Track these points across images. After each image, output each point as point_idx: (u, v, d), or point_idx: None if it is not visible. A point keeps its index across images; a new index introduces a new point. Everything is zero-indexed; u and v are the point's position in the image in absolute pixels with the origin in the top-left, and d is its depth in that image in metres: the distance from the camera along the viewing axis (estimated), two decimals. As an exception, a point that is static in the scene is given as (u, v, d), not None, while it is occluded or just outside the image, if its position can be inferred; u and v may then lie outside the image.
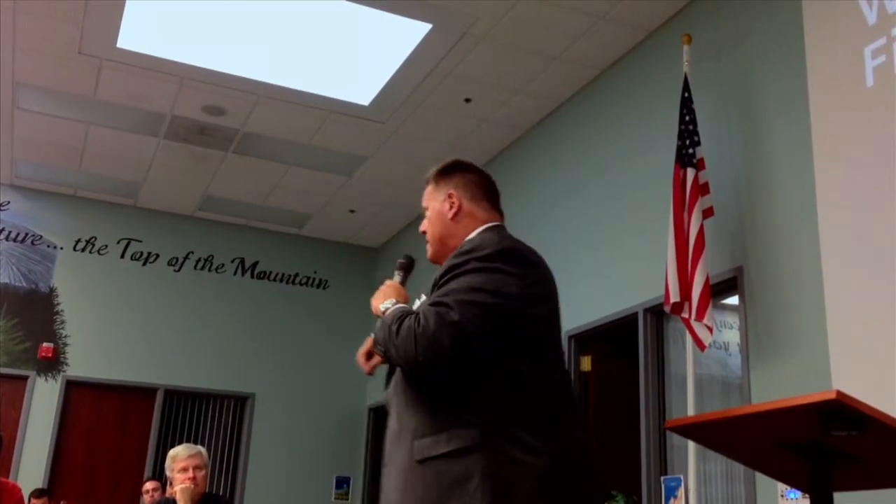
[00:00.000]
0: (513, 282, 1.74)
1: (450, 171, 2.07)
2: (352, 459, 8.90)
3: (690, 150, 4.39)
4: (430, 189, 2.09)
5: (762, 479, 4.07)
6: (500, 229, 1.97)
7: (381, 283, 2.12)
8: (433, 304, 1.75)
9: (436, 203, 2.06)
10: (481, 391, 1.67)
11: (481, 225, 1.99)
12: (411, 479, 1.68)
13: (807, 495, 3.51)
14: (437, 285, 1.83)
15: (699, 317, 4.16)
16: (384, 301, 1.94)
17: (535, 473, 1.54)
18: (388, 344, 1.79)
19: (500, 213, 2.06)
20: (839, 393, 1.44)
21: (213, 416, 8.57)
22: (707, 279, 4.20)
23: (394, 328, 1.78)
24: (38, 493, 6.01)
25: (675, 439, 4.85)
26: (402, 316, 1.79)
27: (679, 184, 4.37)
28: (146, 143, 7.26)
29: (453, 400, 1.68)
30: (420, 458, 1.66)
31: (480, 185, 2.04)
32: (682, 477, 4.63)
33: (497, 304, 1.69)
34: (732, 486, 4.42)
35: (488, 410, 1.64)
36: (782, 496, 3.96)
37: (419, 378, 1.76)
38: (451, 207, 2.03)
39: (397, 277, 2.14)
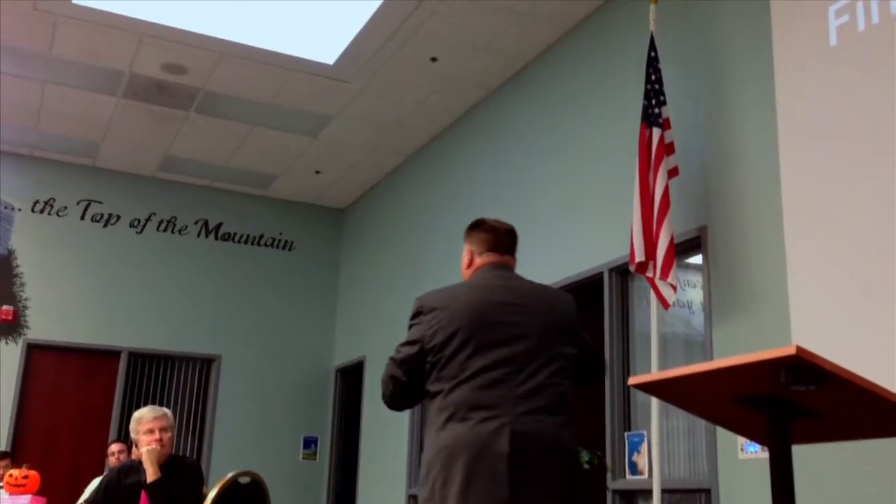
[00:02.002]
0: (418, 330, 2.47)
1: (469, 229, 2.77)
2: (319, 420, 8.94)
3: (656, 110, 4.39)
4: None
5: (723, 434, 4.16)
6: (477, 274, 2.66)
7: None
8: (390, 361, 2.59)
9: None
10: (426, 410, 2.48)
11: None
12: None
13: (766, 448, 3.60)
14: None
15: (663, 276, 4.20)
16: None
17: (426, 460, 2.36)
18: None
19: (503, 255, 2.72)
20: (799, 348, 1.47)
21: (178, 379, 8.53)
22: (672, 238, 4.23)
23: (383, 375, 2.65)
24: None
25: (638, 396, 4.92)
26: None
27: (645, 143, 4.38)
28: (104, 101, 7.10)
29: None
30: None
31: (486, 240, 2.72)
32: (645, 433, 4.72)
33: (409, 352, 2.47)
34: (694, 441, 4.51)
35: (427, 415, 2.45)
36: (742, 450, 4.05)
37: (397, 409, 2.66)
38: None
39: None
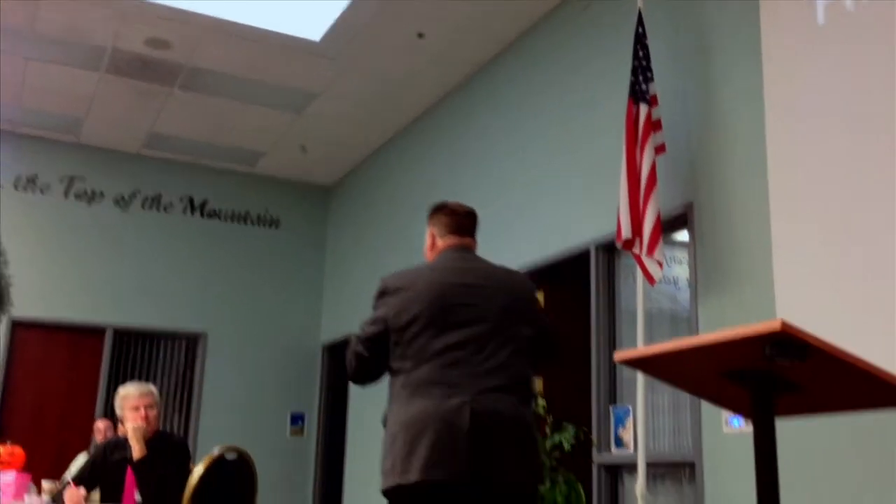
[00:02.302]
0: (382, 309, 2.59)
1: (431, 212, 2.85)
2: (306, 396, 8.95)
3: (644, 86, 4.39)
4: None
5: (707, 409, 4.20)
6: (439, 257, 2.77)
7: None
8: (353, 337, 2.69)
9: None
10: (389, 381, 2.56)
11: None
12: None
13: (750, 422, 3.64)
14: None
15: (650, 252, 4.21)
16: None
17: (389, 433, 2.46)
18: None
19: (464, 237, 2.79)
20: (784, 323, 1.48)
21: (164, 356, 8.51)
22: (658, 215, 4.25)
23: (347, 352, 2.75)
24: (-15, 433, 5.91)
25: (624, 372, 4.96)
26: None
27: (632, 120, 4.38)
28: (87, 77, 7.02)
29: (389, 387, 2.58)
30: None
31: (447, 223, 2.79)
32: (630, 407, 4.76)
33: (373, 331, 2.57)
34: (679, 416, 4.56)
35: (389, 391, 2.54)
36: (726, 424, 4.09)
37: (361, 385, 2.81)
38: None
39: None
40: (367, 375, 2.65)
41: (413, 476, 2.34)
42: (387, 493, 2.45)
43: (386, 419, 2.54)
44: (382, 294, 2.63)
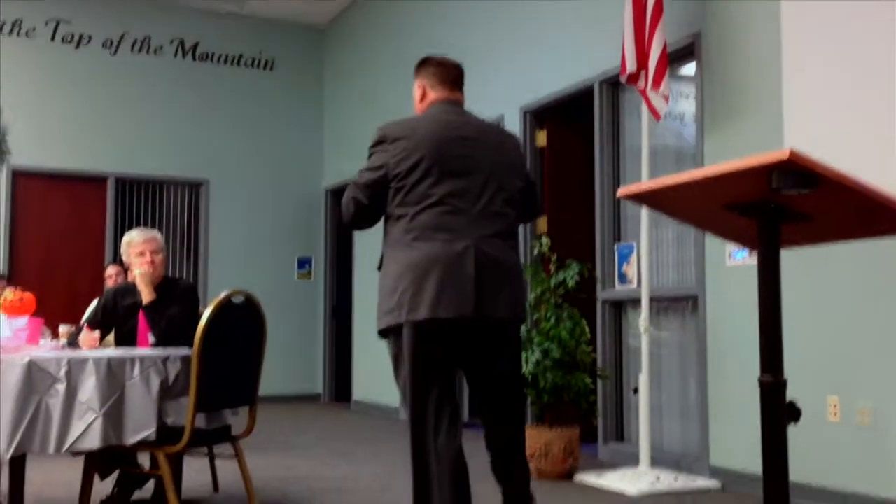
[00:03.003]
0: (382, 156, 2.63)
1: (418, 65, 2.87)
2: (312, 240, 9.05)
3: None
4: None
5: (711, 242, 4.22)
6: (432, 107, 2.78)
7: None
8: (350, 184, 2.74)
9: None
10: (385, 230, 2.68)
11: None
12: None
13: (753, 254, 3.65)
14: None
15: (655, 86, 4.10)
16: None
17: (392, 274, 2.61)
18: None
19: (455, 91, 2.83)
20: (793, 152, 1.43)
21: (168, 203, 8.53)
22: (664, 46, 4.10)
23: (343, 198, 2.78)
24: (-5, 277, 5.96)
25: (628, 209, 4.96)
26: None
27: (639, -56, 4.14)
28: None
29: (384, 233, 2.71)
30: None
31: (437, 73, 2.82)
32: (634, 244, 4.79)
33: (372, 177, 2.63)
34: (682, 251, 4.59)
35: (386, 243, 2.68)
36: (730, 257, 4.13)
37: (356, 229, 2.88)
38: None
39: None
40: (363, 221, 2.72)
41: (422, 314, 2.49)
42: (389, 330, 2.60)
43: (382, 263, 2.65)
44: (381, 142, 2.67)
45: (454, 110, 2.78)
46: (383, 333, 2.65)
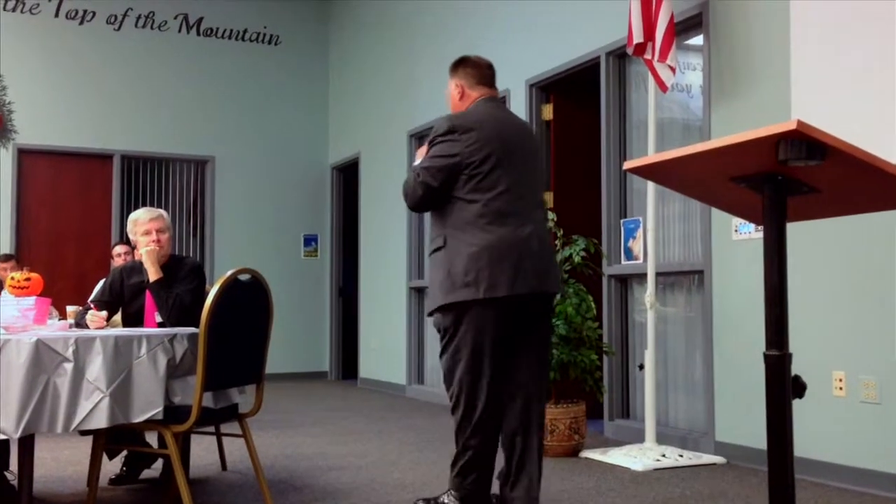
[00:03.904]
0: (455, 146, 2.86)
1: (454, 66, 3.13)
2: (318, 218, 9.04)
3: None
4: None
5: (717, 217, 4.19)
6: (478, 104, 3.03)
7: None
8: (415, 170, 2.96)
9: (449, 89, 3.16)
10: (448, 212, 2.90)
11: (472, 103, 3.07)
12: (430, 263, 3.01)
13: (759, 228, 3.63)
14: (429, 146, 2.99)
15: (662, 57, 4.06)
16: (416, 161, 3.04)
17: (466, 253, 2.82)
18: (403, 193, 3.04)
19: (493, 89, 3.11)
20: (800, 122, 1.41)
21: (173, 181, 8.53)
22: (671, 17, 4.06)
23: (404, 184, 3.02)
24: (4, 258, 5.97)
25: (634, 183, 4.92)
26: (408, 176, 3.02)
27: (645, -87, 4.08)
28: None
29: (437, 219, 2.96)
30: (429, 252, 3.01)
31: (474, 74, 3.09)
32: (640, 219, 4.76)
33: (445, 163, 2.86)
34: (689, 225, 4.56)
35: (449, 224, 2.89)
36: (736, 231, 4.10)
37: (418, 211, 3.07)
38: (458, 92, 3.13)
39: (425, 145, 3.04)
40: (430, 203, 2.94)
41: (501, 291, 2.78)
42: (459, 305, 2.83)
43: (445, 244, 2.87)
44: (451, 132, 2.88)
45: (501, 107, 3.07)
46: (455, 306, 2.84)
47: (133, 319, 3.59)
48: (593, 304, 4.43)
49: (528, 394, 2.90)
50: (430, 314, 2.98)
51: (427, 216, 3.24)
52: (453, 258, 2.84)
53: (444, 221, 2.91)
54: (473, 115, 2.96)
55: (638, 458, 4.02)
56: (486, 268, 2.78)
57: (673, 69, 4.10)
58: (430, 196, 2.90)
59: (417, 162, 3.02)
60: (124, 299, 3.61)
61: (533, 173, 3.00)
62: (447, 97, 3.17)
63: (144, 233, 3.57)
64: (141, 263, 3.62)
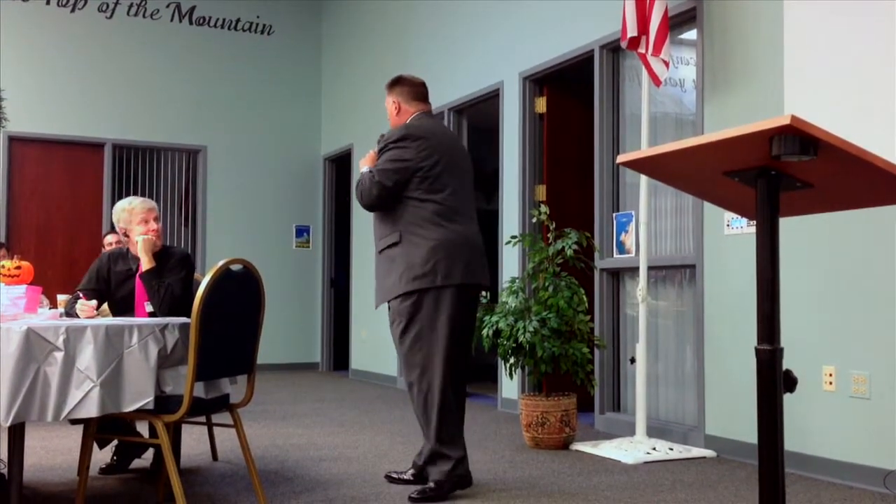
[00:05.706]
0: (407, 152, 3.25)
1: (391, 84, 3.50)
2: (310, 209, 9.02)
3: None
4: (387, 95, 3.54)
5: (710, 211, 4.20)
6: (418, 117, 3.39)
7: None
8: (370, 172, 3.30)
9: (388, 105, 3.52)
10: (399, 212, 3.27)
11: (410, 117, 3.42)
12: (377, 261, 3.44)
13: (751, 223, 3.64)
14: (380, 152, 3.35)
15: (656, 51, 4.06)
16: (362, 167, 3.39)
17: (426, 247, 3.21)
18: (356, 193, 3.37)
19: (427, 104, 3.48)
20: (794, 118, 1.41)
21: (165, 170, 8.50)
22: (665, 11, 4.06)
23: (358, 184, 3.36)
24: (-7, 246, 5.92)
25: (627, 177, 4.93)
26: (361, 177, 3.36)
27: None
28: None
29: (388, 218, 3.32)
30: (378, 250, 3.40)
31: (409, 91, 3.45)
32: (633, 213, 4.77)
33: (399, 167, 3.24)
34: (681, 220, 4.57)
35: (403, 222, 3.26)
36: (728, 226, 4.11)
37: (372, 209, 3.39)
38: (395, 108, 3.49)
39: (375, 148, 3.38)
40: (384, 203, 3.28)
41: (456, 280, 3.20)
42: (420, 291, 3.20)
43: (400, 239, 3.23)
44: (405, 139, 3.25)
45: (440, 122, 3.47)
46: (414, 293, 3.21)
47: (120, 306, 3.57)
48: (585, 298, 4.43)
49: (460, 374, 3.30)
50: (389, 302, 3.32)
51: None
52: (411, 251, 3.21)
53: (398, 220, 3.26)
54: (422, 126, 3.32)
55: (629, 451, 4.04)
56: (444, 259, 3.19)
57: (667, 63, 4.11)
58: (384, 196, 3.25)
59: (365, 168, 3.34)
60: (111, 286, 3.60)
61: (469, 181, 3.42)
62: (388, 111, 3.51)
63: (142, 221, 3.55)
64: (127, 250, 3.61)
